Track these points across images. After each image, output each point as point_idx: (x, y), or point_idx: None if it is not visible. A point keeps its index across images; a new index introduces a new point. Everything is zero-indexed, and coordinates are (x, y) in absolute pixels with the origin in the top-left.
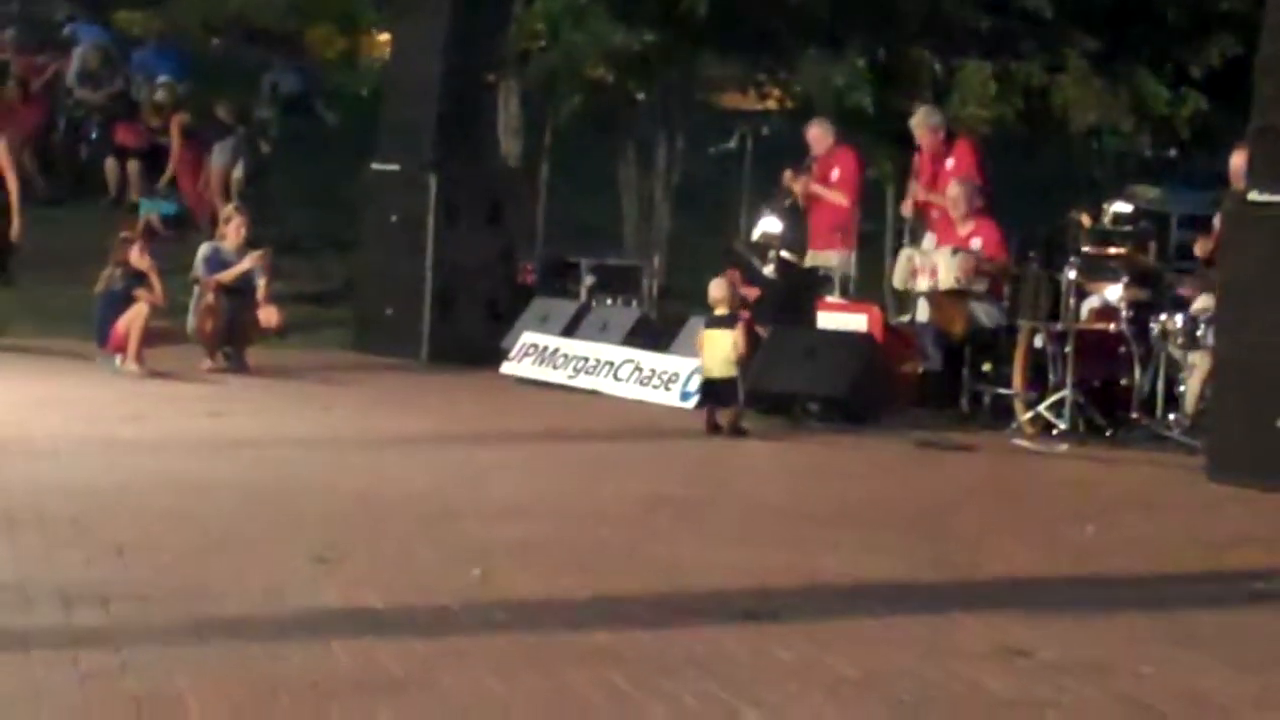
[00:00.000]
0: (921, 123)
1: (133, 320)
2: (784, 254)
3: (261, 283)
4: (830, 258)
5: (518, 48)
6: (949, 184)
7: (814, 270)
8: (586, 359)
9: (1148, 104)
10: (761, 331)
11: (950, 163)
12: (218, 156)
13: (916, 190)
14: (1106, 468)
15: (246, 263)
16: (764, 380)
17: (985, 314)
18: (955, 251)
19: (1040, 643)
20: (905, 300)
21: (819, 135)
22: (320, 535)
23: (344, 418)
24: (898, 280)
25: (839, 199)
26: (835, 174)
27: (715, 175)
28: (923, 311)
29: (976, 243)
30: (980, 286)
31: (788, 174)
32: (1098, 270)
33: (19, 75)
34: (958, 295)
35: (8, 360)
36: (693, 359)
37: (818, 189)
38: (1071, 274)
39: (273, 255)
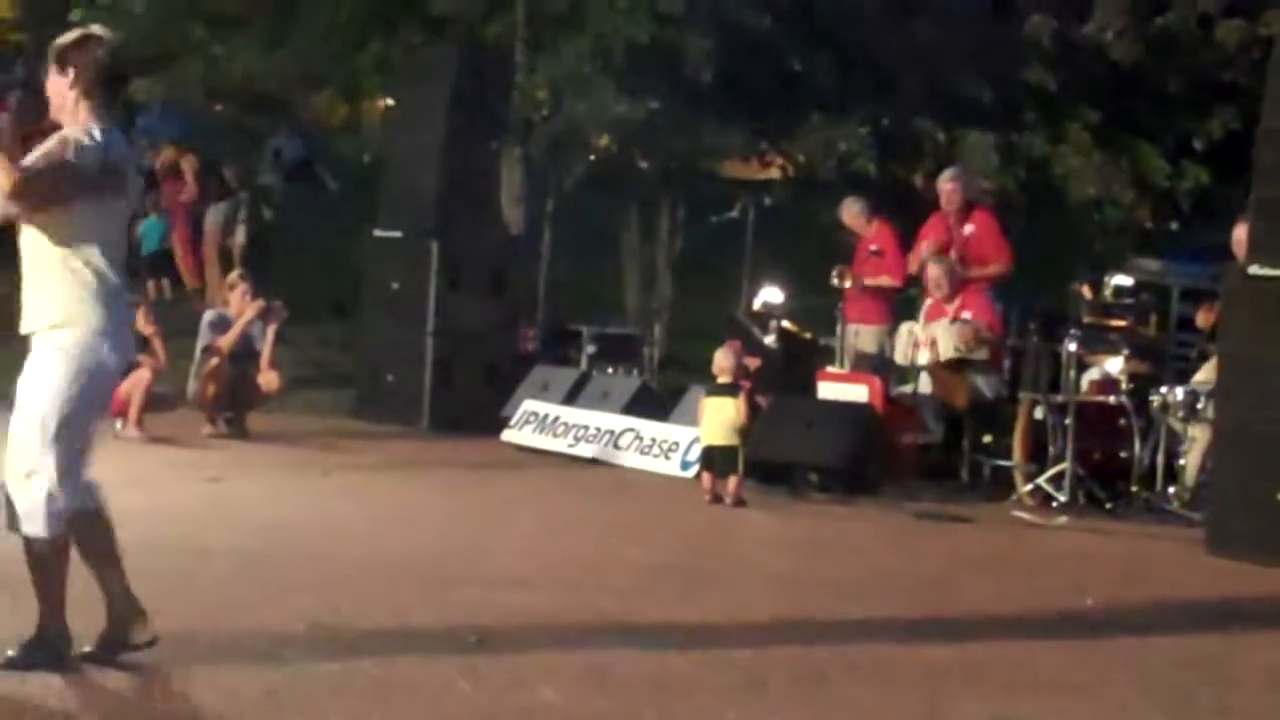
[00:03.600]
0: (954, 176)
1: (135, 385)
2: (785, 324)
3: (265, 348)
4: (869, 331)
5: (521, 115)
6: (930, 265)
7: (815, 340)
8: (587, 427)
9: (1148, 176)
10: (762, 401)
11: (969, 229)
12: (211, 216)
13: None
14: (1105, 540)
15: (249, 312)
16: (764, 450)
17: (986, 385)
18: (953, 321)
19: (1038, 715)
20: (905, 371)
21: (852, 216)
22: (318, 601)
23: (343, 484)
24: (899, 355)
25: (889, 281)
26: (874, 248)
27: (717, 244)
28: (924, 384)
29: (967, 315)
30: (981, 354)
31: (835, 274)
32: (1098, 342)
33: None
34: (958, 366)
35: (5, 423)
36: (693, 428)
37: (870, 282)
38: (1072, 346)
39: (282, 320)
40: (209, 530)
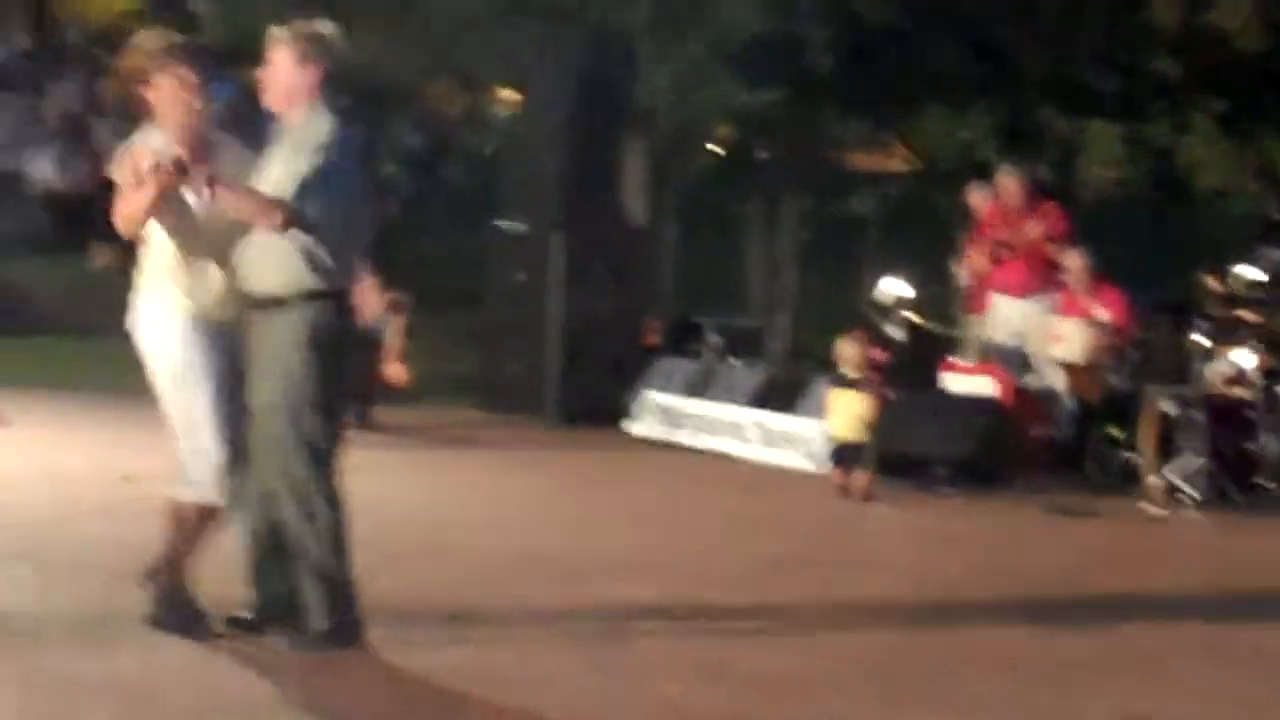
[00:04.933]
0: (1012, 172)
1: None
2: (911, 315)
3: (392, 340)
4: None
5: (643, 106)
6: (1068, 256)
7: (941, 332)
8: (711, 420)
9: (1275, 166)
10: (888, 394)
11: (1037, 222)
12: None
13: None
14: (1236, 536)
15: (376, 306)
16: (892, 443)
17: (1116, 379)
18: (1089, 325)
19: (1168, 711)
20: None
21: (979, 200)
22: (447, 594)
23: (470, 477)
24: (1035, 343)
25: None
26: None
27: (842, 236)
28: (1057, 378)
29: (1103, 313)
30: (1108, 361)
31: (955, 264)
32: (1227, 334)
33: None
34: (1090, 365)
35: (102, 412)
36: (819, 421)
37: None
38: (1200, 338)
39: (408, 313)
40: None
